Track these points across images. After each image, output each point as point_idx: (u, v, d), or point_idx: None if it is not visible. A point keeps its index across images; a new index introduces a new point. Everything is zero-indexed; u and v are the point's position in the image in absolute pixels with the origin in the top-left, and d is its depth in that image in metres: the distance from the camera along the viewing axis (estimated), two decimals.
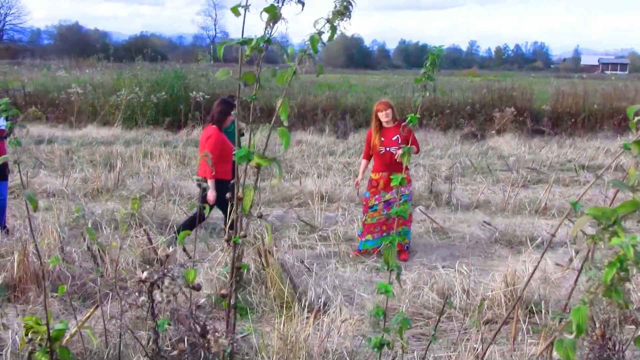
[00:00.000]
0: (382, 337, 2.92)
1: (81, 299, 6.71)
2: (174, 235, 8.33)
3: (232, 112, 2.63)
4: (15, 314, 6.14)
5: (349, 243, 9.03)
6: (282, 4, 2.39)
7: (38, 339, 2.69)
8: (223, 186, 8.27)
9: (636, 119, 2.07)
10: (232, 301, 2.55)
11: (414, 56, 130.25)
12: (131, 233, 8.39)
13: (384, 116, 8.66)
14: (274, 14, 2.35)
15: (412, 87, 28.46)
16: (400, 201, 8.55)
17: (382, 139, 8.65)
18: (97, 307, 5.28)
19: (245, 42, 2.38)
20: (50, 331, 2.71)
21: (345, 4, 2.49)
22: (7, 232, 8.36)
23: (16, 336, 5.08)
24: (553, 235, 2.59)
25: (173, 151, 16.73)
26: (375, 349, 2.92)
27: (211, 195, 8.19)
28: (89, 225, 8.47)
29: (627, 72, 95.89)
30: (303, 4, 2.40)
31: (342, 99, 24.89)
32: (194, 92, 22.40)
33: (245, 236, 2.53)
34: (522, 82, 27.26)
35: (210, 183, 8.18)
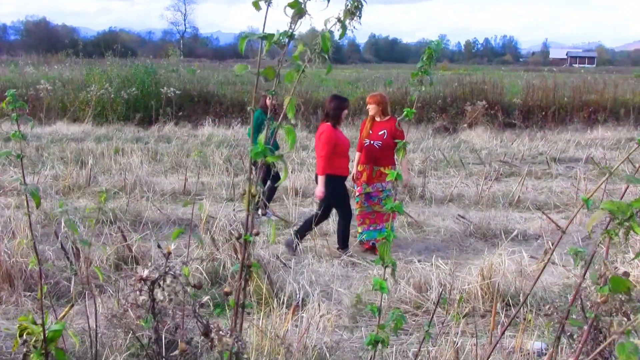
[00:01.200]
0: (377, 334, 2.90)
1: (55, 297, 6.62)
2: (295, 238, 8.54)
3: (249, 108, 2.61)
4: None
5: (324, 238, 9.00)
6: None
7: (33, 340, 2.63)
8: (339, 182, 8.45)
9: None
10: (241, 300, 2.52)
11: (384, 50, 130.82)
12: (105, 230, 8.30)
13: (369, 110, 8.72)
14: (299, 9, 2.31)
15: (383, 81, 28.56)
16: (382, 195, 8.56)
17: (370, 132, 8.67)
18: (72, 305, 5.22)
19: (266, 36, 2.33)
20: (46, 332, 2.65)
21: (356, 3, 2.48)
22: None
23: None
24: (564, 232, 2.58)
25: (145, 147, 16.61)
26: (370, 347, 2.89)
27: (319, 191, 8.37)
28: (62, 223, 8.35)
29: (594, 65, 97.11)
30: (329, 0, 2.38)
31: (313, 93, 24.84)
32: (165, 88, 22.32)
33: (258, 234, 2.51)
34: (492, 76, 27.43)
35: (320, 179, 8.34)
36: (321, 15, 2.46)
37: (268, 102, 9.98)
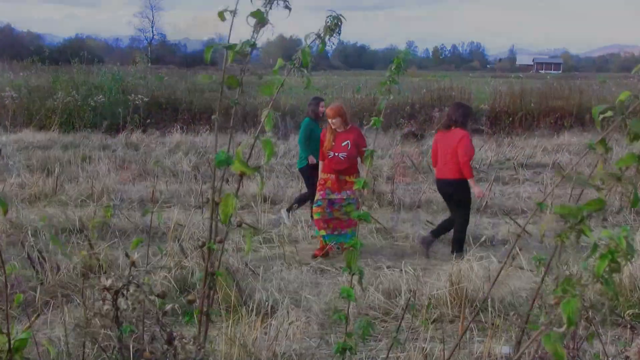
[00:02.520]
0: (345, 341, 2.90)
1: (20, 307, 6.53)
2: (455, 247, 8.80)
3: (213, 117, 2.63)
4: None
5: (293, 245, 8.99)
6: (270, 8, 2.40)
7: None
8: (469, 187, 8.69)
9: (601, 117, 2.08)
10: (206, 308, 2.52)
11: (352, 57, 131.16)
12: (71, 239, 8.21)
13: (333, 124, 8.69)
14: (261, 19, 2.35)
15: (352, 88, 28.62)
16: (344, 203, 8.57)
17: (333, 143, 8.65)
18: (38, 315, 5.16)
19: (230, 46, 2.36)
20: (12, 342, 2.60)
21: (335, 21, 2.53)
22: None
23: None
24: (519, 235, 2.61)
25: (112, 155, 16.48)
26: (338, 354, 2.89)
27: (479, 191, 8.82)
28: (28, 233, 8.25)
29: (560, 72, 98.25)
30: (290, 9, 2.42)
31: (282, 100, 24.79)
32: (133, 95, 22.15)
33: (222, 242, 2.52)
34: (460, 82, 27.60)
35: (470, 182, 8.57)
36: (283, 25, 2.50)
37: (322, 109, 9.80)
